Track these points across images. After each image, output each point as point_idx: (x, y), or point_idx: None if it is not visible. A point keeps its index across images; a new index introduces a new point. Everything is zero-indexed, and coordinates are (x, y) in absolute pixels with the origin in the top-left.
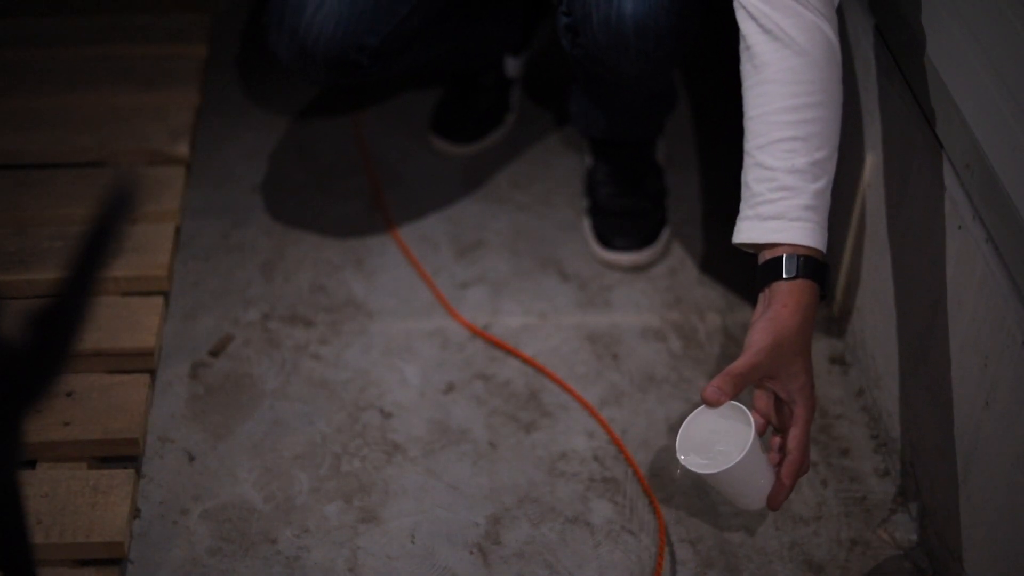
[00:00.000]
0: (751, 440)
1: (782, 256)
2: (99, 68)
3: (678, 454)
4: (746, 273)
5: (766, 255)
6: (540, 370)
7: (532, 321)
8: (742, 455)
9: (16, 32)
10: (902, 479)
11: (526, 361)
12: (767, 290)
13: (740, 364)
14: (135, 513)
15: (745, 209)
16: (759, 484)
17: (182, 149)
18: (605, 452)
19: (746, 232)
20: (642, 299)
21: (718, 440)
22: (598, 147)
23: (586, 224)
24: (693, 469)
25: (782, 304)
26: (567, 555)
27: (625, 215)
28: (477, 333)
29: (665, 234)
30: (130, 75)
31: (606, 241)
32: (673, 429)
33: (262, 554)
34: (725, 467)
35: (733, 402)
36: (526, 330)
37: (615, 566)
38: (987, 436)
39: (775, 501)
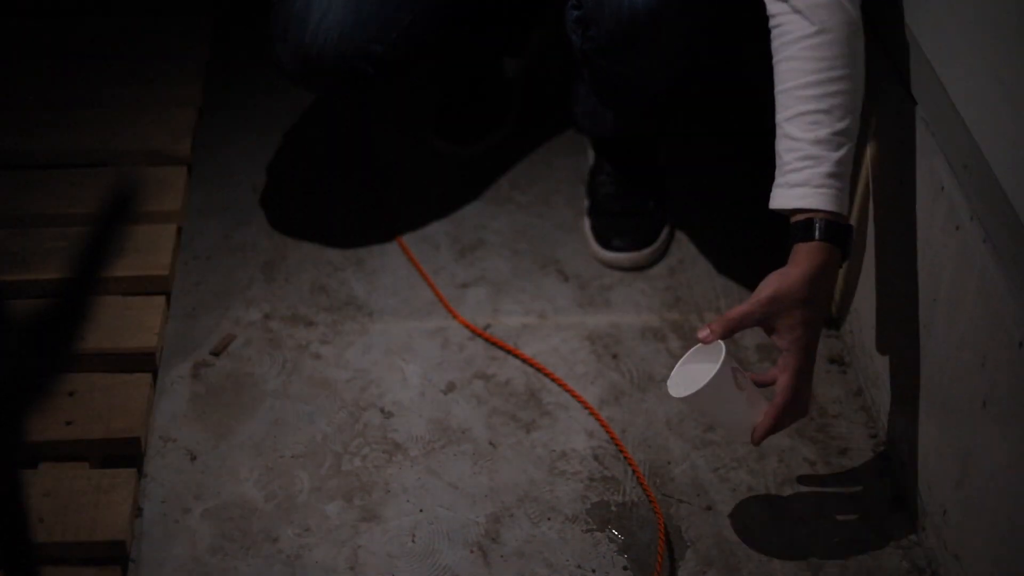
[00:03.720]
0: (715, 372)
1: (805, 220)
2: (100, 68)
3: (669, 384)
4: (745, 272)
5: (793, 219)
6: (540, 370)
7: (532, 321)
8: (702, 384)
9: (16, 32)
10: (900, 478)
11: (526, 361)
12: (792, 251)
13: (736, 310)
14: (137, 512)
15: (777, 176)
16: (736, 417)
17: (183, 149)
18: (605, 451)
19: (777, 199)
20: (642, 299)
21: (701, 375)
22: (602, 147)
23: (586, 224)
24: (672, 394)
25: (795, 263)
26: (567, 554)
27: (625, 215)
28: (477, 333)
29: (665, 234)
30: (132, 75)
31: (605, 241)
32: (673, 429)
33: (263, 553)
34: (689, 392)
35: (720, 342)
36: (526, 330)
37: (614, 565)
38: (985, 435)
39: (755, 436)
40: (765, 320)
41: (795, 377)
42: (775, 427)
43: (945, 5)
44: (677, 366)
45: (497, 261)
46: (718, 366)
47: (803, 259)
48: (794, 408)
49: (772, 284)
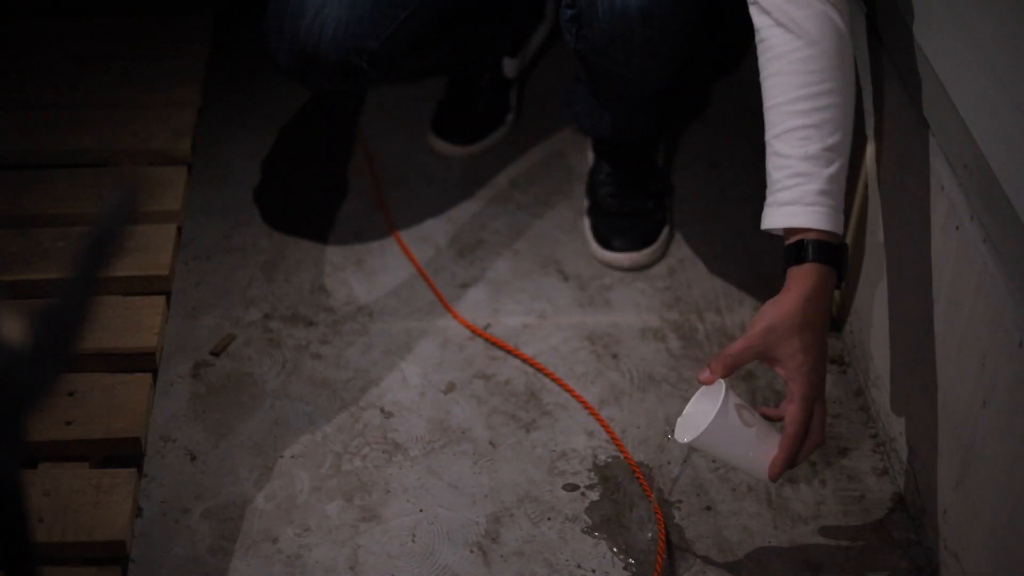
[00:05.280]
0: (714, 413)
1: (797, 241)
2: (100, 68)
3: (676, 431)
4: (745, 273)
5: (786, 241)
6: (540, 370)
7: (532, 321)
8: (702, 429)
9: (16, 32)
10: (900, 478)
11: (526, 361)
12: (786, 275)
13: (733, 346)
14: (137, 512)
15: (768, 196)
16: (749, 455)
17: (184, 149)
18: (605, 451)
19: (768, 218)
20: (642, 299)
21: (705, 418)
22: (601, 146)
23: (586, 224)
24: (679, 440)
25: (788, 288)
26: (567, 554)
27: (625, 215)
28: (477, 333)
29: (664, 234)
30: (131, 75)
31: (605, 242)
32: (672, 428)
33: (263, 553)
34: (692, 437)
35: (722, 381)
36: (526, 330)
37: (614, 565)
38: (985, 435)
39: (771, 471)
40: (764, 352)
41: (803, 405)
42: (791, 459)
43: (946, 6)
44: (684, 411)
45: (497, 261)
46: (718, 406)
47: (796, 284)
48: (808, 437)
49: (767, 314)
